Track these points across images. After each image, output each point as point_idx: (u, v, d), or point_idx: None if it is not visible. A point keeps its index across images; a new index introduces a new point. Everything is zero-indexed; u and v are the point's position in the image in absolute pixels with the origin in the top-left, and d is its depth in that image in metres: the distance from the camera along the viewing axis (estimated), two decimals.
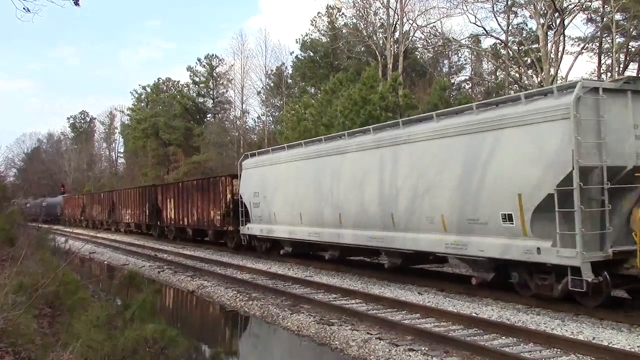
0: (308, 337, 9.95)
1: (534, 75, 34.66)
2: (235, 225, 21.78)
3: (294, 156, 17.96)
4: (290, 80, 51.66)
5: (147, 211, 32.22)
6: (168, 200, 29.16)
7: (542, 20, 30.47)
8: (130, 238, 33.82)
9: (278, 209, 18.45)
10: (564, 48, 30.80)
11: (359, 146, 14.81)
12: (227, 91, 60.45)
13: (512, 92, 42.67)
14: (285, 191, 18.10)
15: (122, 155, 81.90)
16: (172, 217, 28.52)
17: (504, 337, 8.68)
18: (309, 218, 16.70)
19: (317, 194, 16.32)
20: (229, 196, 22.59)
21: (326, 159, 16.10)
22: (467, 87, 46.51)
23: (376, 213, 13.90)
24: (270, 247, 20.00)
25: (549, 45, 30.42)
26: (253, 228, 20.18)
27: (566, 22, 29.32)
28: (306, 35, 47.82)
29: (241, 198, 20.85)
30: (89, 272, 20.70)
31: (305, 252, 18.42)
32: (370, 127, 15.02)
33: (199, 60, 61.62)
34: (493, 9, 33.87)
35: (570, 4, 30.58)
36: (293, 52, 53.75)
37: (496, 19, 38.62)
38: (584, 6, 31.92)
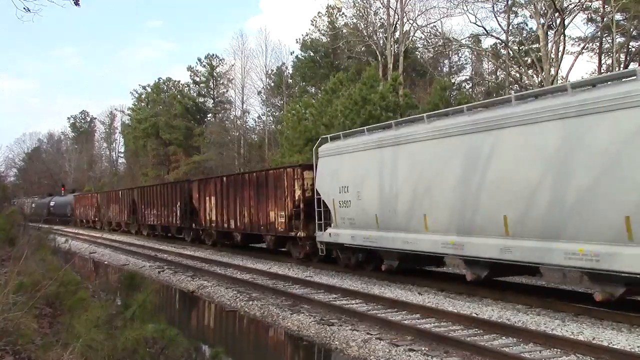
0: (308, 337, 9.96)
1: (534, 75, 34.66)
2: (307, 230, 17.29)
3: (417, 134, 12.98)
4: (291, 80, 51.71)
5: (179, 211, 27.79)
6: (207, 198, 24.44)
7: (542, 20, 30.47)
8: (131, 238, 33.76)
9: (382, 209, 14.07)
10: (564, 48, 30.82)
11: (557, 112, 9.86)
12: (227, 91, 60.58)
13: (512, 92, 42.73)
14: (396, 185, 13.46)
15: (122, 155, 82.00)
16: (213, 218, 23.84)
17: (504, 337, 8.68)
18: (444, 221, 12.08)
19: (462, 187, 11.59)
20: (297, 193, 17.73)
21: (485, 135, 11.15)
22: (467, 87, 46.54)
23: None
24: (363, 260, 15.45)
25: (549, 45, 30.43)
26: (339, 234, 15.34)
27: (566, 22, 29.33)
28: (306, 35, 47.92)
29: (318, 194, 16.37)
30: (89, 272, 20.69)
31: (419, 266, 14.85)
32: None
33: (199, 60, 61.78)
34: (493, 9, 33.92)
35: (571, 4, 30.61)
36: (293, 52, 53.85)
37: (496, 19, 38.69)
38: (584, 6, 31.92)
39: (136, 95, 68.98)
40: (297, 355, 9.88)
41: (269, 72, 51.95)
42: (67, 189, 64.69)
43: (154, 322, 7.03)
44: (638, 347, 7.85)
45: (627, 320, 9.19)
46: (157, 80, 66.12)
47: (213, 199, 23.80)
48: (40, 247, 13.23)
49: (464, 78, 48.76)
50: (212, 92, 61.79)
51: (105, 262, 23.57)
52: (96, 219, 43.70)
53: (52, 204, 56.78)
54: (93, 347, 5.47)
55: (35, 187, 75.02)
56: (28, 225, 19.52)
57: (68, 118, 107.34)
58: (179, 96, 62.11)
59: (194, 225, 26.28)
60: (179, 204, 27.72)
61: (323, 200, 16.17)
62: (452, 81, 44.50)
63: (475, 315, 10.09)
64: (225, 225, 22.78)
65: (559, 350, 7.92)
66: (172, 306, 15.22)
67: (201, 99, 62.21)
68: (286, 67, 51.84)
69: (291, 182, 18.02)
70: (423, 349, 8.33)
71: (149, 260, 22.39)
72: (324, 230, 16.07)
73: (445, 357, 7.96)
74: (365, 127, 15.52)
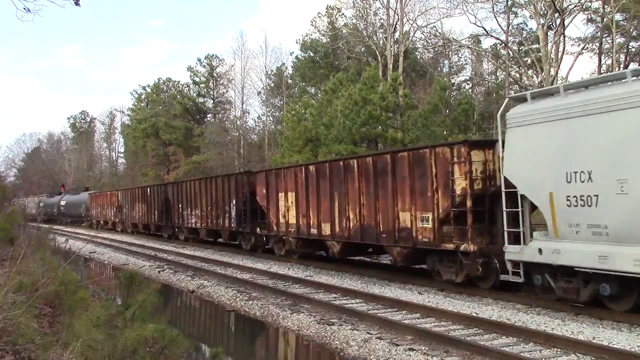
0: (308, 336, 9.96)
1: (534, 76, 34.67)
2: (479, 240, 11.65)
3: None
4: (291, 81, 51.73)
5: (233, 212, 22.35)
6: (282, 194, 18.47)
7: (542, 21, 30.47)
8: (131, 238, 33.67)
9: None
10: (564, 48, 30.84)
11: None
12: (227, 91, 60.57)
13: (512, 92, 42.75)
14: None
15: (122, 155, 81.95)
16: (292, 221, 17.98)
17: (504, 337, 8.67)
18: None
19: None
20: (460, 184, 11.78)
21: None
22: (467, 87, 46.55)
23: None
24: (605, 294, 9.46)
25: (549, 45, 30.43)
26: (565, 251, 9.68)
27: (566, 22, 29.36)
28: (306, 36, 47.97)
29: (508, 186, 10.75)
30: (89, 272, 20.69)
31: None
32: None
33: (199, 60, 61.78)
34: (493, 9, 33.93)
35: (570, 4, 30.61)
36: (293, 52, 53.97)
37: (496, 19, 38.65)
38: (584, 6, 31.92)
39: (136, 95, 69.00)
40: (297, 355, 9.87)
41: (269, 72, 52.01)
42: (67, 189, 64.25)
43: (154, 322, 7.03)
44: (638, 346, 7.85)
45: (627, 320, 9.18)
46: (157, 81, 66.12)
47: (291, 195, 17.96)
48: (40, 246, 13.23)
49: (463, 78, 48.81)
50: (212, 93, 61.78)
51: (106, 262, 23.58)
52: (117, 220, 38.82)
53: (62, 203, 52.91)
54: (93, 347, 5.47)
55: (35, 187, 75.01)
56: (31, 226, 19.47)
57: (68, 118, 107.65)
58: (178, 96, 62.09)
59: (258, 230, 20.91)
60: (234, 201, 22.37)
61: (521, 195, 10.50)
62: (452, 81, 44.55)
63: (475, 314, 10.08)
64: (313, 231, 16.89)
65: (559, 349, 7.92)
66: (172, 306, 15.22)
67: (201, 99, 62.20)
68: (286, 68, 51.90)
69: (446, 168, 12.09)
70: (423, 348, 8.33)
71: (149, 260, 22.39)
72: (525, 243, 10.41)
73: (446, 357, 7.95)
74: (630, 69, 9.56)
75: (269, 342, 10.84)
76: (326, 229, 16.25)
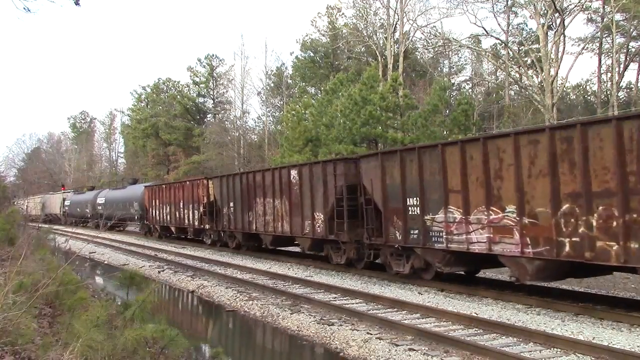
0: (308, 336, 9.96)
1: (534, 76, 34.67)
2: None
3: None
4: (291, 81, 51.76)
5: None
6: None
7: (542, 21, 30.48)
8: (131, 238, 33.65)
9: None
10: (564, 48, 30.85)
11: None
12: (227, 91, 60.62)
13: (512, 92, 42.79)
14: None
15: (122, 156, 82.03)
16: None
17: (504, 337, 8.67)
18: None
19: None
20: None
21: None
22: (467, 87, 46.57)
23: None
24: None
25: (549, 45, 30.44)
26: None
27: (566, 22, 29.35)
28: (306, 36, 48.03)
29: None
30: (89, 272, 20.69)
31: None
32: None
33: (199, 60, 61.83)
34: (493, 9, 33.98)
35: (570, 4, 30.63)
36: (293, 53, 54.01)
37: (496, 19, 38.67)
38: (584, 6, 31.94)
39: (136, 95, 68.98)
40: (297, 355, 9.87)
41: (269, 72, 52.04)
42: (67, 188, 63.80)
43: (154, 322, 7.03)
44: (638, 347, 7.84)
45: (627, 320, 9.19)
46: (156, 81, 66.13)
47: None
48: (40, 246, 13.23)
49: (463, 78, 48.84)
50: (211, 93, 61.80)
51: (106, 262, 23.58)
52: (206, 226, 24.21)
53: (100, 200, 39.17)
54: (93, 347, 5.47)
55: (36, 187, 74.96)
56: (31, 227, 19.30)
57: (68, 118, 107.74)
58: (178, 96, 62.11)
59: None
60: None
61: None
62: (452, 81, 44.56)
63: (475, 314, 10.08)
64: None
65: (559, 349, 7.91)
66: (172, 306, 15.21)
67: (201, 99, 62.24)
68: (286, 68, 51.95)
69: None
70: (423, 348, 8.33)
71: (149, 260, 22.38)
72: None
73: (445, 357, 7.95)
74: None
75: (269, 342, 10.83)
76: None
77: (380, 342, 8.77)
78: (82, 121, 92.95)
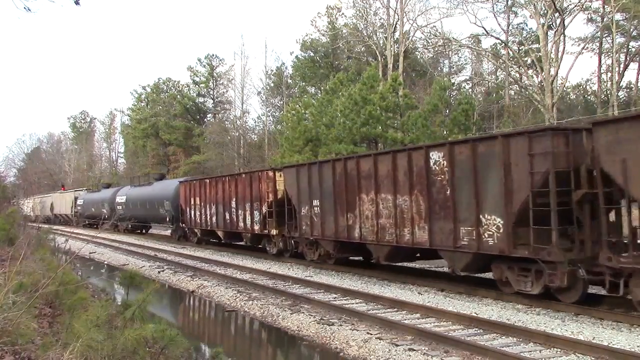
0: (308, 336, 9.96)
1: (534, 76, 34.68)
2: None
3: None
4: (291, 81, 51.77)
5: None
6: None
7: (542, 20, 30.50)
8: (131, 238, 33.59)
9: None
10: (564, 48, 30.89)
11: None
12: (227, 91, 60.65)
13: (512, 92, 42.79)
14: None
15: (122, 155, 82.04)
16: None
17: (504, 337, 8.67)
18: None
19: None
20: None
21: None
22: (467, 87, 46.58)
23: None
24: None
25: (549, 45, 30.45)
26: None
27: (566, 22, 29.38)
28: (306, 36, 48.05)
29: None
30: (89, 272, 20.68)
31: None
32: None
33: (199, 60, 61.82)
34: (493, 9, 34.00)
35: (570, 4, 30.66)
36: (293, 52, 54.03)
37: (496, 19, 38.69)
38: (584, 6, 31.95)
39: (136, 95, 69.01)
40: (297, 355, 9.87)
41: (269, 72, 52.05)
42: (67, 188, 63.57)
43: (154, 322, 7.03)
44: (638, 346, 7.84)
45: (627, 320, 9.19)
46: (156, 81, 66.16)
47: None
48: (40, 246, 13.23)
49: (463, 78, 48.88)
50: (211, 92, 61.82)
51: (106, 262, 23.56)
52: (272, 231, 19.02)
53: (120, 199, 33.81)
54: (93, 347, 5.47)
55: (35, 187, 74.94)
56: (31, 226, 19.29)
57: (68, 118, 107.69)
58: (178, 96, 62.13)
59: None
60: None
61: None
62: (452, 81, 44.57)
63: (475, 314, 10.08)
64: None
65: (559, 349, 7.91)
66: (172, 306, 15.21)
67: (201, 99, 62.26)
68: (286, 67, 51.95)
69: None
70: (423, 348, 8.33)
71: (149, 260, 22.36)
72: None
73: (446, 357, 7.95)
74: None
75: (269, 342, 10.83)
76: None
77: (380, 342, 8.77)
78: (82, 121, 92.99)
